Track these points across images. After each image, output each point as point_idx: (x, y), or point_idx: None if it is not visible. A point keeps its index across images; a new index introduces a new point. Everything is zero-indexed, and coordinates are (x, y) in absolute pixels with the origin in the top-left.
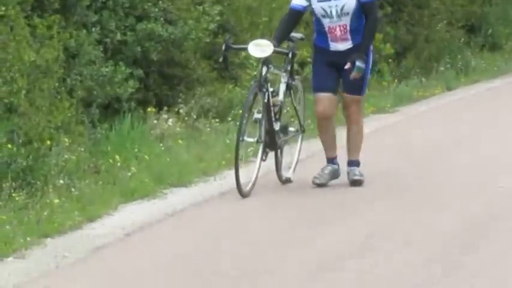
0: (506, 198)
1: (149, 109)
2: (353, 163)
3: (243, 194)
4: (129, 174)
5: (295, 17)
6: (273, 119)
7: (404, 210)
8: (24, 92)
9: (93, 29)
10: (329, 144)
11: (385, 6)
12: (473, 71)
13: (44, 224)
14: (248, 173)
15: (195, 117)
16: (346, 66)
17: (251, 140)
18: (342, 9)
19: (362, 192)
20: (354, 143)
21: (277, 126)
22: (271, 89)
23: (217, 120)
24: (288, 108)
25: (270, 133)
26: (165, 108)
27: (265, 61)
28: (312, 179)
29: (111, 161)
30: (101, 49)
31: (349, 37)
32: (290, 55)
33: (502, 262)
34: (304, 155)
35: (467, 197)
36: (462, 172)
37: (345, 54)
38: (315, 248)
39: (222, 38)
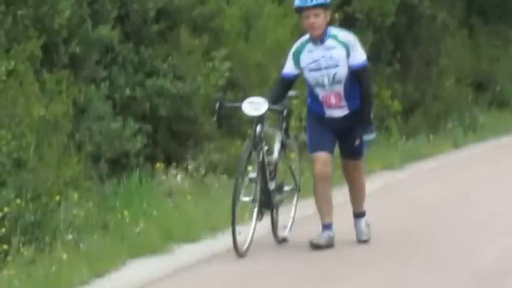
0: None
1: (157, 165)
2: (359, 214)
3: (240, 254)
4: (138, 229)
5: (287, 84)
6: (268, 178)
7: (412, 266)
8: (33, 147)
9: (102, 84)
10: (325, 209)
11: (394, 63)
12: (481, 128)
13: (52, 279)
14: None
15: (203, 173)
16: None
17: (247, 199)
18: (333, 77)
19: (369, 248)
20: (358, 197)
21: (272, 186)
22: (266, 148)
23: (225, 175)
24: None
25: (265, 192)
26: (174, 163)
27: (260, 119)
28: (309, 240)
29: (119, 216)
30: (110, 104)
31: (344, 104)
32: (285, 113)
33: None
34: (302, 212)
35: (475, 253)
36: (469, 229)
37: (341, 120)
38: None
39: (231, 93)
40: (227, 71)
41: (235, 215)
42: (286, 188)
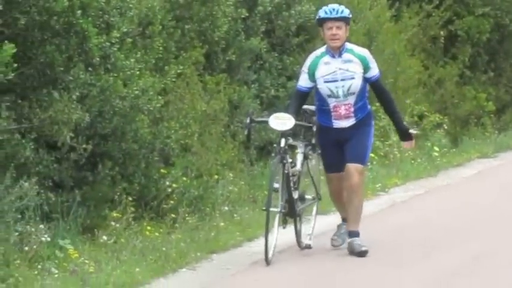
0: None
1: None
2: (353, 234)
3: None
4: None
5: (302, 97)
6: (292, 188)
7: (503, 235)
8: (196, 135)
9: (252, 86)
10: (342, 207)
11: (488, 71)
12: None
13: (211, 242)
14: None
15: None
16: (408, 145)
17: (275, 209)
18: (348, 89)
19: (464, 221)
20: (355, 215)
21: (295, 195)
22: (289, 160)
23: None
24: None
25: (289, 202)
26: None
27: (284, 133)
28: (330, 241)
29: (265, 192)
30: (258, 102)
31: (352, 114)
32: (314, 129)
33: None
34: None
35: None
36: None
37: (348, 130)
38: None
39: None
40: None
41: (268, 225)
42: (308, 197)
